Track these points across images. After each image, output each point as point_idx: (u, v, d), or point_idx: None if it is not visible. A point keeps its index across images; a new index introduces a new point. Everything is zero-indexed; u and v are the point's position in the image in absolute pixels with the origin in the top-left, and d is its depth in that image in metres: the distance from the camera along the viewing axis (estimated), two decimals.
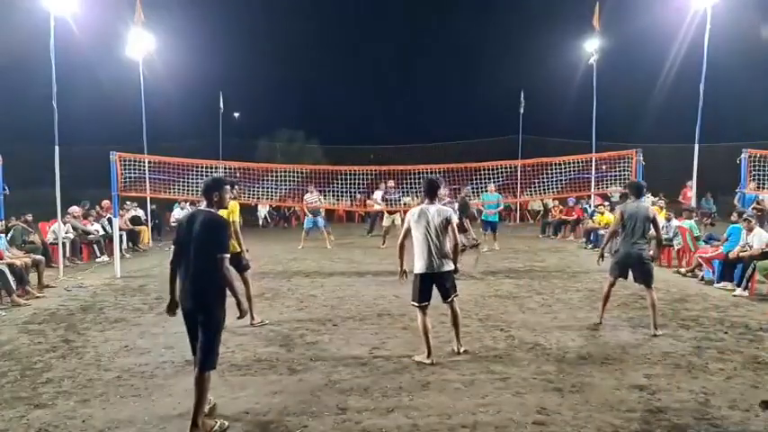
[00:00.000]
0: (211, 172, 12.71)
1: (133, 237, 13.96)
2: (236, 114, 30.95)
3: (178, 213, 16.59)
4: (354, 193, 14.57)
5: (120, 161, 10.45)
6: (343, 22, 37.48)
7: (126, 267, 10.73)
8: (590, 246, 13.33)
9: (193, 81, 25.85)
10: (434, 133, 26.87)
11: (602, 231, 12.33)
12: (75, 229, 12.10)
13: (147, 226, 15.16)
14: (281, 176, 13.05)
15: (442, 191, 11.18)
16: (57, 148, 10.22)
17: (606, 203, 15.67)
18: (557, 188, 12.38)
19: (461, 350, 5.49)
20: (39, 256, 9.22)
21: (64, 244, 10.91)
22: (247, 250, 6.77)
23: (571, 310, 7.25)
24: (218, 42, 30.40)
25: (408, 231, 5.30)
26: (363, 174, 13.47)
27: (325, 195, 14.39)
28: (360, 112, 34.27)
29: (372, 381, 4.80)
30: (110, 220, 12.32)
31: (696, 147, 12.46)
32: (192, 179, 11.85)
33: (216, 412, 4.16)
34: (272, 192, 12.88)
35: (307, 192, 13.82)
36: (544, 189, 12.59)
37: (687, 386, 4.61)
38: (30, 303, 7.89)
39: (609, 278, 6.40)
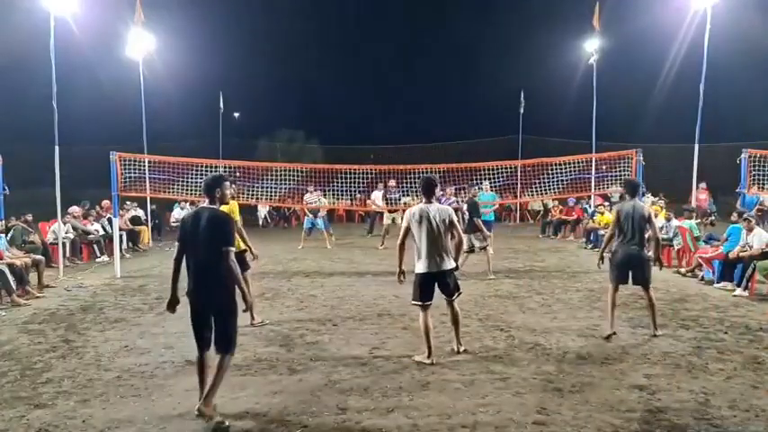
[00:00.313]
0: (211, 172, 12.72)
1: (133, 237, 13.96)
2: (236, 114, 30.95)
3: (178, 213, 16.61)
4: (354, 192, 14.58)
5: (120, 161, 10.45)
6: (343, 22, 37.50)
7: (126, 267, 10.73)
8: (590, 246, 13.33)
9: (193, 81, 25.87)
10: (434, 133, 26.88)
11: (602, 231, 12.32)
12: (75, 229, 12.10)
13: (147, 226, 15.15)
14: (280, 176, 13.05)
15: (447, 190, 11.22)
16: (57, 148, 10.22)
17: (606, 203, 15.67)
18: (557, 188, 12.38)
19: (461, 350, 5.50)
20: (39, 256, 9.22)
21: (64, 244, 10.91)
22: (255, 258, 6.80)
23: (571, 310, 7.26)
24: (218, 42, 30.39)
25: (408, 231, 5.29)
26: (363, 174, 13.46)
27: (325, 195, 14.39)
28: (360, 112, 34.29)
29: (372, 381, 4.80)
30: (110, 220, 12.32)
31: (696, 147, 12.46)
32: (192, 179, 11.85)
33: (216, 411, 4.16)
34: (272, 192, 12.87)
35: (306, 191, 13.83)
36: (544, 189, 12.58)
37: (687, 386, 4.61)
38: (30, 303, 7.89)
39: (611, 286, 6.17)
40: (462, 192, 12.31)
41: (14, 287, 7.97)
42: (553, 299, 7.97)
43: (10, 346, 5.88)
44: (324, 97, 34.12)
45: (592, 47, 17.22)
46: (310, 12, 34.35)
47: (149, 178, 12.14)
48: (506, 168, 12.72)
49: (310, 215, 13.89)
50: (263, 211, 20.60)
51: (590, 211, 15.64)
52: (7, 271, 7.94)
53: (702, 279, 9.19)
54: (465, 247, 8.37)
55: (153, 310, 7.51)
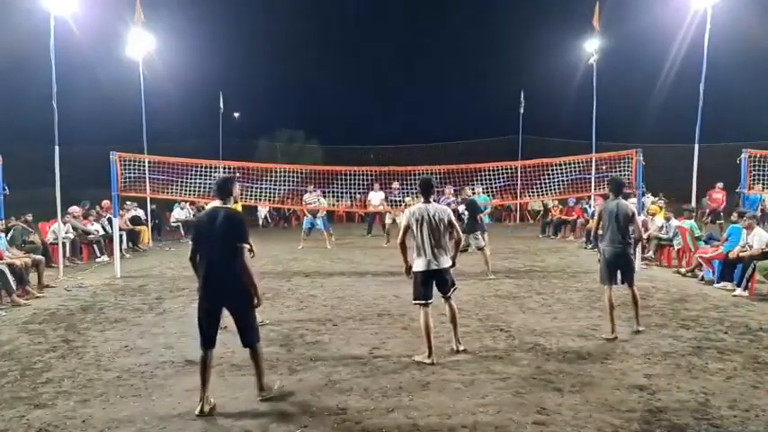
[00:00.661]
0: (211, 172, 12.71)
1: (133, 237, 13.96)
2: (236, 114, 30.95)
3: (178, 213, 16.62)
4: (354, 193, 14.58)
5: (120, 161, 10.45)
6: (343, 22, 37.50)
7: (126, 267, 10.73)
8: (590, 246, 13.32)
9: (193, 81, 25.86)
10: (434, 133, 26.86)
11: (601, 232, 12.31)
12: (75, 229, 12.10)
13: (147, 226, 15.15)
14: (280, 176, 13.04)
15: (446, 190, 11.21)
16: (57, 148, 10.22)
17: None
18: (557, 188, 12.37)
19: (460, 348, 5.51)
20: (39, 256, 9.22)
21: (64, 244, 10.91)
22: (252, 255, 6.80)
23: (571, 310, 7.26)
24: (218, 42, 30.38)
25: (408, 229, 5.39)
26: (363, 174, 13.46)
27: (325, 195, 14.39)
28: (360, 112, 34.28)
29: (372, 381, 4.80)
30: (110, 220, 12.32)
31: (696, 147, 12.46)
32: (192, 179, 11.85)
33: (216, 411, 4.16)
34: (272, 192, 12.87)
35: (306, 192, 13.83)
36: (545, 189, 12.57)
37: (687, 386, 4.61)
38: (30, 303, 7.89)
39: (605, 288, 6.20)
40: (459, 193, 12.33)
41: (14, 287, 7.97)
42: (553, 299, 7.97)
43: (10, 346, 5.88)
44: (324, 97, 34.15)
45: (592, 47, 17.21)
46: (310, 12, 34.38)
47: (149, 178, 12.13)
48: (506, 169, 12.71)
49: (309, 215, 13.89)
50: (263, 211, 20.60)
51: (590, 211, 15.64)
52: (7, 271, 7.94)
53: (702, 279, 9.19)
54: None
55: (153, 310, 7.51)
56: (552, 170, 12.17)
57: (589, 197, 16.02)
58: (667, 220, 11.08)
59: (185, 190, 11.89)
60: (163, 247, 14.78)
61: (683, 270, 9.93)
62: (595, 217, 6.46)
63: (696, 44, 13.21)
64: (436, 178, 12.93)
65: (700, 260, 9.40)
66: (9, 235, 9.88)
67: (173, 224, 16.74)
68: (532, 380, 4.78)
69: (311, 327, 6.54)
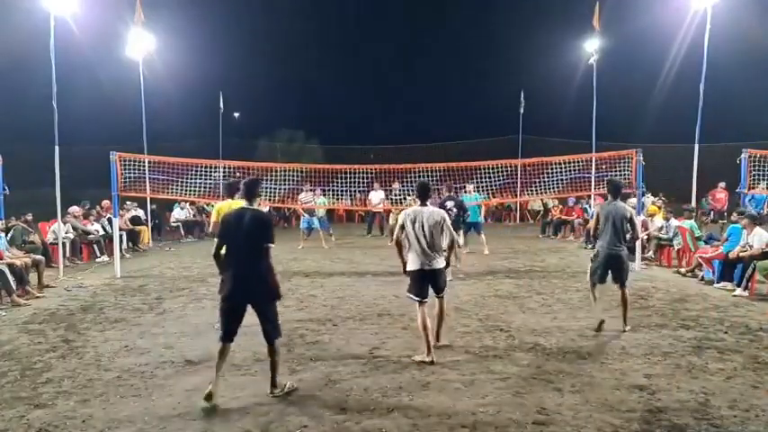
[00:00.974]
0: (211, 172, 12.74)
1: (133, 237, 13.96)
2: (236, 114, 30.94)
3: (178, 213, 16.62)
4: (354, 192, 14.59)
5: (120, 161, 10.45)
6: (343, 22, 37.47)
7: (126, 267, 10.73)
8: (590, 246, 13.32)
9: (193, 81, 25.84)
10: (434, 133, 26.84)
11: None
12: (75, 229, 12.10)
13: (147, 226, 15.15)
14: (280, 176, 13.04)
15: (444, 192, 11.26)
16: (57, 148, 10.22)
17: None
18: (557, 188, 12.37)
19: (439, 344, 5.62)
20: (39, 256, 9.22)
21: (64, 244, 10.91)
22: None
23: (571, 310, 7.26)
24: (218, 42, 30.35)
25: (403, 229, 5.56)
26: (363, 173, 13.46)
27: (325, 194, 14.40)
28: (360, 112, 34.26)
29: (372, 381, 4.80)
30: (110, 220, 12.32)
31: (696, 147, 12.46)
32: (192, 179, 11.85)
33: (218, 408, 4.17)
34: (272, 192, 12.87)
35: (302, 191, 13.83)
36: (544, 189, 12.58)
37: (687, 386, 4.61)
38: (30, 303, 7.89)
39: (590, 283, 6.46)
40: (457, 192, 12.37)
41: (14, 287, 7.97)
42: (553, 299, 7.97)
43: (10, 346, 5.88)
44: (324, 97, 34.12)
45: (592, 47, 17.21)
46: (310, 12, 34.36)
47: (149, 178, 12.13)
48: (506, 168, 12.71)
49: (306, 215, 13.89)
50: (263, 210, 20.57)
51: (590, 211, 15.64)
52: (7, 271, 7.94)
53: (702, 279, 9.19)
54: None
55: (153, 310, 7.51)
56: (552, 169, 12.17)
57: (589, 197, 16.02)
58: (667, 220, 11.08)
59: (185, 190, 11.89)
60: (163, 247, 14.78)
61: (683, 270, 9.93)
62: (593, 218, 6.51)
63: (696, 44, 13.21)
64: (436, 177, 12.97)
65: (700, 260, 9.40)
66: (9, 235, 9.88)
67: (173, 224, 16.74)
68: (532, 380, 4.78)
69: (311, 327, 6.54)
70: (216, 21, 31.70)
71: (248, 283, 4.35)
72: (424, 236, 5.40)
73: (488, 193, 12.78)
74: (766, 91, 23.25)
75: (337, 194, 14.12)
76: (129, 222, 14.13)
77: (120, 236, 11.99)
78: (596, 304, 6.45)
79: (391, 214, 14.80)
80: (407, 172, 13.22)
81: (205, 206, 17.71)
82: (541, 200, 19.13)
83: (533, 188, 13.15)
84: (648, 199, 13.91)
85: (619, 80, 24.39)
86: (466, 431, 3.89)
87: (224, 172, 14.35)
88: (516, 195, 18.28)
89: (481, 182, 12.42)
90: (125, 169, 10.72)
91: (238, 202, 5.90)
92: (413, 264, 5.48)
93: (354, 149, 23.71)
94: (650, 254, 11.24)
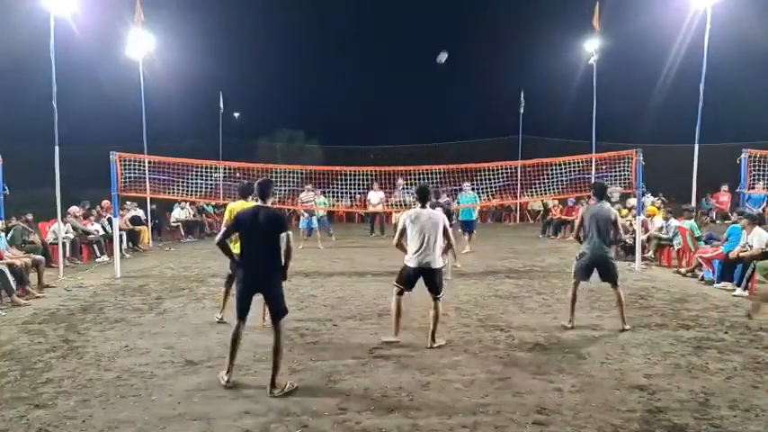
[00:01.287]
0: (211, 172, 12.73)
1: (133, 237, 13.96)
2: (236, 114, 30.94)
3: (178, 213, 16.61)
4: (354, 193, 14.58)
5: (120, 161, 10.44)
6: (343, 22, 37.48)
7: (126, 267, 10.73)
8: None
9: (193, 81, 25.82)
10: (434, 133, 26.84)
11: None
12: (75, 229, 12.09)
13: (147, 226, 15.15)
14: (281, 177, 13.04)
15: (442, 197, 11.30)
16: (57, 148, 10.21)
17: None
18: (557, 188, 12.37)
19: (434, 345, 5.68)
20: (39, 256, 9.21)
21: (64, 244, 10.91)
22: None
23: None
24: (218, 42, 30.35)
25: (403, 231, 5.79)
26: (363, 174, 13.46)
27: (325, 194, 14.39)
28: (360, 112, 34.25)
29: (372, 381, 4.80)
30: (110, 220, 12.32)
31: (696, 147, 12.46)
32: (192, 179, 11.85)
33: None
34: (271, 192, 12.85)
35: (303, 191, 13.82)
36: (544, 189, 12.57)
37: (687, 386, 4.61)
38: (30, 303, 7.89)
39: (573, 281, 6.53)
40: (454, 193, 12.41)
41: (14, 287, 7.96)
42: (553, 299, 7.97)
43: (10, 346, 5.87)
44: (324, 97, 34.13)
45: (592, 47, 17.21)
46: (310, 12, 34.37)
47: (149, 178, 12.13)
48: (506, 168, 12.70)
49: (306, 215, 13.88)
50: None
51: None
52: (7, 271, 7.93)
53: (702, 279, 9.19)
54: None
55: (153, 310, 7.51)
56: (552, 170, 12.16)
57: (589, 197, 16.01)
58: (666, 220, 11.08)
59: (185, 190, 11.88)
60: (163, 247, 14.78)
61: (683, 270, 9.93)
62: (578, 220, 6.58)
63: (696, 44, 13.21)
64: (436, 177, 12.98)
65: (700, 260, 9.40)
66: (9, 235, 9.87)
67: (173, 224, 16.72)
68: (532, 380, 4.78)
69: (311, 327, 6.54)
70: (216, 21, 31.71)
71: (259, 274, 4.72)
72: (423, 238, 5.61)
73: (488, 195, 12.77)
74: (766, 91, 23.24)
75: (337, 195, 14.13)
76: (129, 222, 14.12)
77: (120, 236, 11.98)
78: (572, 305, 6.52)
79: (394, 214, 14.80)
80: (408, 173, 13.22)
81: (205, 206, 17.74)
82: (541, 200, 19.12)
83: (533, 189, 13.14)
84: (648, 199, 13.91)
85: (619, 80, 24.37)
86: (466, 431, 3.89)
87: (224, 172, 14.35)
88: (516, 196, 18.28)
89: (481, 183, 12.41)
90: (125, 169, 10.72)
91: (251, 204, 6.12)
92: (410, 261, 5.72)
93: (354, 150, 23.72)
94: (650, 254, 11.24)
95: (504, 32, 32.67)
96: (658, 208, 12.53)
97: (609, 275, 6.36)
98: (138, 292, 8.77)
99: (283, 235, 4.73)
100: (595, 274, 6.46)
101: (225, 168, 14.31)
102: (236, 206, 6.54)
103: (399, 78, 36.01)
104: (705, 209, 16.14)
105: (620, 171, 11.15)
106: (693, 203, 12.91)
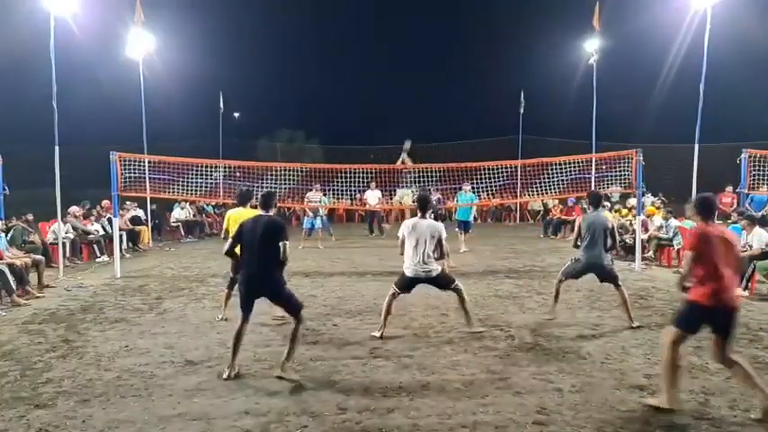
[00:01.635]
0: (211, 172, 12.73)
1: (133, 237, 13.96)
2: (236, 114, 30.95)
3: (178, 213, 16.61)
4: (354, 192, 14.58)
5: (120, 161, 10.44)
6: (343, 22, 37.51)
7: (126, 267, 10.73)
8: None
9: (193, 81, 25.85)
10: (434, 133, 26.86)
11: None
12: (75, 229, 12.09)
13: (147, 226, 15.14)
14: (280, 176, 13.05)
15: (436, 196, 11.32)
16: (57, 148, 10.21)
17: (606, 203, 15.67)
18: (557, 188, 12.37)
19: (473, 330, 6.06)
20: (39, 256, 9.21)
21: (64, 244, 10.91)
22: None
23: (571, 310, 7.25)
24: (218, 42, 30.39)
25: (404, 241, 6.01)
26: (363, 173, 13.46)
27: (325, 193, 14.39)
28: (360, 112, 34.29)
29: (372, 381, 4.80)
30: (110, 220, 12.31)
31: (696, 147, 12.46)
32: (192, 179, 11.85)
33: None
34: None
35: (311, 190, 13.79)
36: (544, 189, 12.58)
37: (687, 386, 4.60)
38: (30, 303, 7.89)
39: (559, 278, 6.67)
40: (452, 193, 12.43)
41: (14, 287, 7.96)
42: (553, 299, 7.95)
43: (10, 346, 5.87)
44: (324, 97, 34.17)
45: (592, 47, 17.20)
46: (310, 12, 34.41)
47: (149, 178, 12.13)
48: (506, 168, 12.70)
49: (310, 214, 13.86)
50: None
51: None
52: (7, 271, 7.93)
53: None
54: None
55: (153, 310, 7.50)
56: (552, 170, 12.17)
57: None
58: (666, 220, 11.08)
59: (185, 190, 11.88)
60: (163, 247, 14.78)
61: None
62: (576, 228, 6.64)
63: (696, 44, 13.19)
64: (435, 178, 12.99)
65: None
66: (9, 235, 9.87)
67: (173, 224, 16.72)
68: (532, 380, 4.78)
69: (311, 327, 6.53)
70: (216, 21, 31.77)
71: (259, 281, 4.92)
72: (421, 247, 5.81)
73: (488, 194, 12.77)
74: (766, 91, 23.26)
75: (337, 194, 14.13)
76: (129, 222, 14.12)
77: (120, 236, 11.98)
78: (555, 299, 6.71)
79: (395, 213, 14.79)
80: (408, 172, 13.22)
81: (205, 206, 17.74)
82: (541, 200, 19.13)
83: (533, 189, 13.14)
84: (648, 199, 13.91)
85: (619, 80, 24.40)
86: (466, 431, 3.89)
87: (224, 172, 14.35)
88: (516, 196, 18.28)
89: (481, 182, 12.41)
90: (125, 169, 10.72)
91: (250, 211, 6.40)
92: (408, 270, 5.93)
93: (354, 149, 23.71)
94: (650, 254, 11.24)
95: (504, 32, 32.72)
96: (658, 208, 12.53)
97: (609, 278, 6.46)
98: (138, 292, 8.77)
99: (281, 244, 4.84)
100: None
101: (225, 168, 14.31)
102: (235, 213, 6.66)
103: (399, 78, 36.11)
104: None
105: (620, 171, 11.16)
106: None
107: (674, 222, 10.87)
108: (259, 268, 4.88)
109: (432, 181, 13.43)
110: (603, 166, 13.20)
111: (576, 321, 6.67)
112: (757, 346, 5.66)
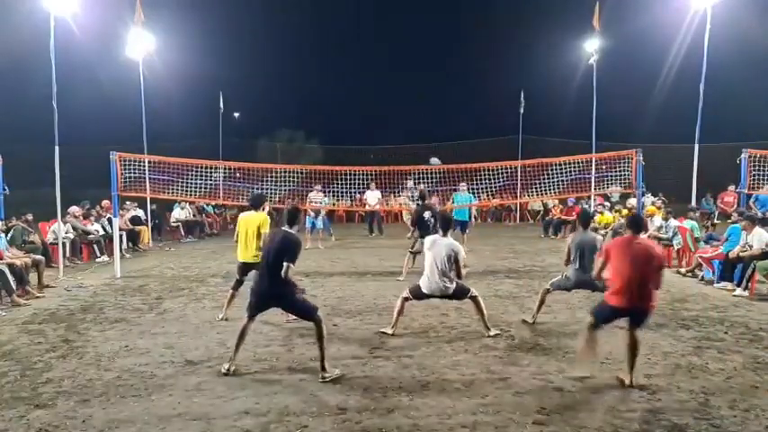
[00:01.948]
0: (211, 172, 12.72)
1: (133, 237, 13.95)
2: (236, 114, 30.95)
3: (178, 213, 16.61)
4: (354, 193, 14.58)
5: (120, 161, 10.44)
6: (343, 22, 37.51)
7: (126, 267, 10.73)
8: None
9: (193, 81, 25.86)
10: (434, 133, 26.85)
11: (602, 231, 12.34)
12: (75, 229, 12.09)
13: (147, 226, 15.14)
14: (281, 177, 13.04)
15: (433, 198, 11.34)
16: (57, 148, 10.20)
17: (606, 203, 15.69)
18: (557, 188, 12.37)
19: (490, 334, 6.04)
20: (39, 256, 9.20)
21: (64, 244, 10.90)
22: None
23: (571, 310, 7.26)
24: (218, 42, 30.39)
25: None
26: (363, 174, 13.46)
27: (325, 194, 14.39)
28: (360, 112, 34.28)
29: (372, 381, 4.80)
30: (110, 220, 12.31)
31: (696, 147, 12.46)
32: (192, 179, 11.84)
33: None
34: (272, 192, 12.86)
35: (313, 190, 13.79)
36: (544, 189, 12.58)
37: (687, 386, 4.61)
38: (30, 303, 7.89)
39: (548, 287, 6.64)
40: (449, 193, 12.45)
41: (14, 287, 7.96)
42: (553, 299, 7.95)
43: (10, 346, 5.87)
44: (324, 97, 34.17)
45: (592, 47, 17.20)
46: (310, 12, 34.41)
47: (149, 178, 12.12)
48: (506, 168, 12.69)
49: (312, 214, 13.86)
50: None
51: (590, 211, 15.63)
52: (7, 271, 7.93)
53: (702, 279, 9.19)
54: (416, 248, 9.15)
55: (153, 310, 7.51)
56: (552, 170, 12.16)
57: (589, 197, 16.04)
58: (666, 219, 11.08)
59: (185, 190, 11.88)
60: (163, 247, 14.77)
61: (683, 270, 9.93)
62: (566, 250, 6.56)
63: (696, 44, 13.20)
64: (436, 178, 12.98)
65: (700, 260, 9.40)
66: (9, 235, 9.86)
67: (173, 224, 16.71)
68: (532, 380, 4.79)
69: (311, 326, 6.51)
70: (216, 21, 31.76)
71: (268, 294, 5.02)
72: (438, 265, 5.87)
73: (488, 195, 12.76)
74: (766, 91, 23.27)
75: (337, 195, 14.12)
76: (129, 222, 14.11)
77: (120, 236, 11.98)
78: (539, 305, 6.69)
79: (404, 213, 14.76)
80: (408, 173, 13.22)
81: (205, 206, 17.74)
82: (541, 200, 19.12)
83: (533, 189, 13.14)
84: (648, 199, 13.90)
85: (619, 80, 24.41)
86: (466, 431, 3.89)
87: (224, 172, 14.35)
88: (516, 196, 18.27)
89: (481, 183, 12.40)
90: (125, 169, 10.71)
91: (261, 215, 6.64)
92: (424, 285, 6.02)
93: (354, 150, 23.72)
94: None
95: (504, 32, 32.72)
96: (658, 208, 12.52)
97: (600, 291, 6.37)
98: (138, 292, 8.77)
99: (285, 264, 4.84)
100: None
101: (225, 168, 14.31)
102: (246, 217, 6.75)
103: (399, 78, 36.09)
104: (706, 209, 16.12)
105: (620, 171, 11.15)
106: (694, 203, 12.91)
107: (673, 222, 10.87)
108: (270, 285, 4.96)
109: (432, 183, 13.42)
110: (603, 166, 13.20)
111: (576, 321, 6.67)
112: (757, 346, 5.66)
